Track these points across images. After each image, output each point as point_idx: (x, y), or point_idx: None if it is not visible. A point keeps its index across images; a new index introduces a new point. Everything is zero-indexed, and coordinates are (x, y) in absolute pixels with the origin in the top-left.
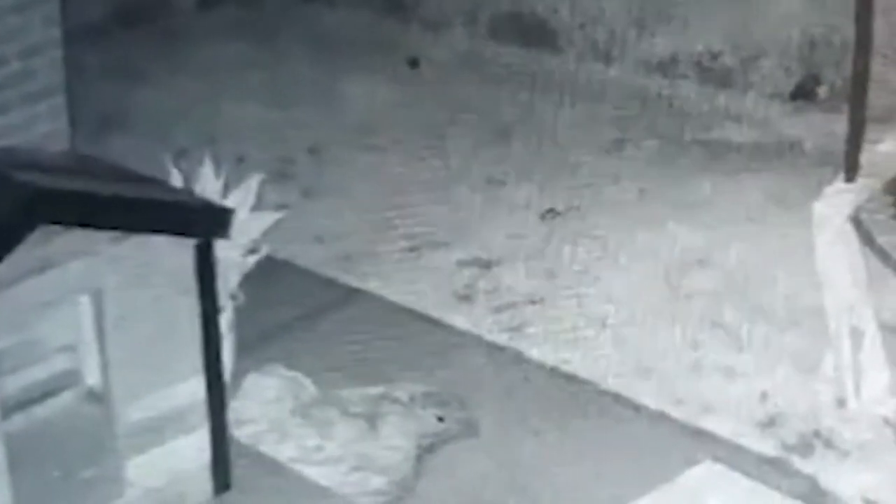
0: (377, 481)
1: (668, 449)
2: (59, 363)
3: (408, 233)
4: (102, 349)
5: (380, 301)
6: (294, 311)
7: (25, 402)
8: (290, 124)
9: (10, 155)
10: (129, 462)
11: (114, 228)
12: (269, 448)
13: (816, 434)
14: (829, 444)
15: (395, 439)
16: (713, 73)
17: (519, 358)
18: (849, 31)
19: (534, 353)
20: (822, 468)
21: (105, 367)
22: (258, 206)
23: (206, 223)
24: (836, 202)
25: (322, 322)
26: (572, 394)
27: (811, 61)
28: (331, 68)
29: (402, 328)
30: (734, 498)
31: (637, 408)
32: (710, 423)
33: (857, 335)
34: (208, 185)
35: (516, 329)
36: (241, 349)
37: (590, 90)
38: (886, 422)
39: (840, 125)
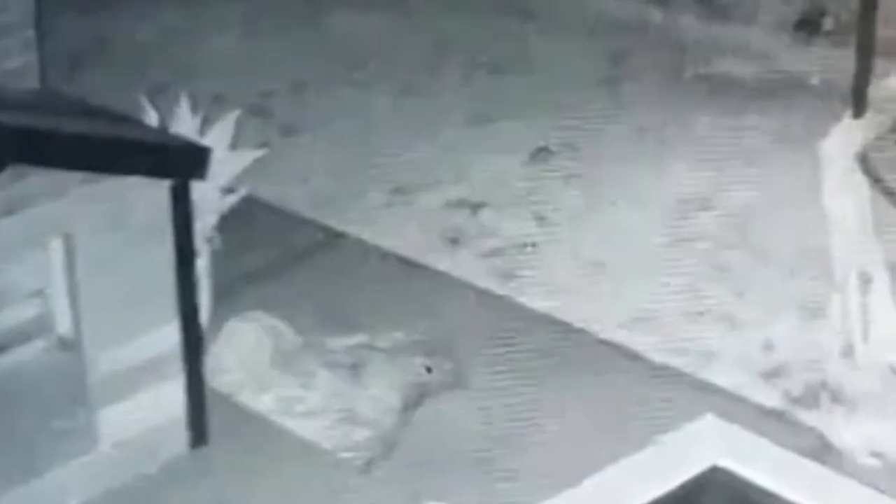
0: (361, 434)
1: (666, 401)
2: (29, 310)
3: (393, 173)
4: (74, 295)
5: (364, 244)
6: (274, 255)
7: None
8: (271, 58)
9: None
10: (101, 413)
11: (86, 169)
12: (247, 399)
13: (823, 385)
14: (835, 395)
15: (380, 390)
16: (713, 5)
17: (510, 305)
18: None
19: (525, 299)
20: (828, 421)
21: (77, 313)
22: (236, 145)
23: (181, 163)
24: (842, 140)
25: (304, 266)
26: (566, 343)
27: None
28: None
29: (387, 273)
30: (736, 452)
31: (634, 357)
32: (711, 374)
33: (864, 279)
34: (184, 123)
35: (507, 274)
36: (219, 295)
37: (584, 22)
38: (895, 370)
39: (847, 59)
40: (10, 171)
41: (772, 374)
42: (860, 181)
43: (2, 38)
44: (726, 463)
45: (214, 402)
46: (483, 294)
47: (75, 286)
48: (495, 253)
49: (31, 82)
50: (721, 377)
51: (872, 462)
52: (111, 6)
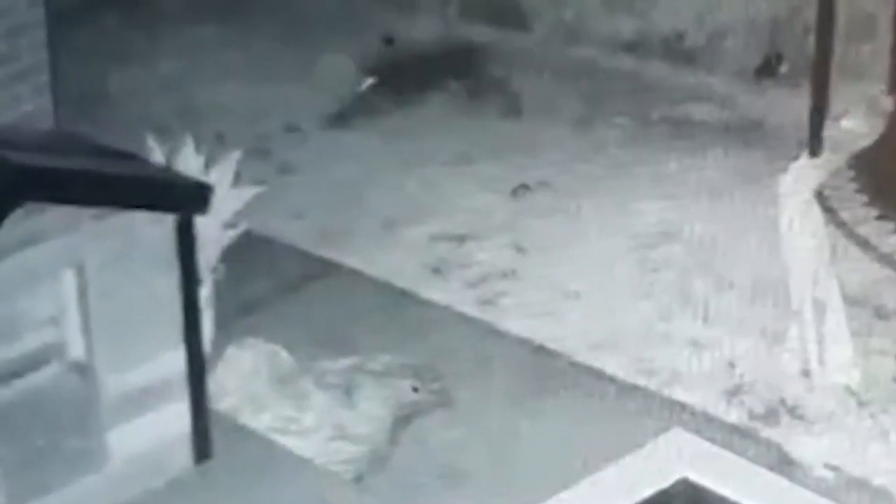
0: (353, 451)
1: (637, 418)
2: (44, 336)
3: (383, 208)
4: (86, 322)
5: (355, 275)
6: (272, 285)
7: (10, 374)
8: (268, 103)
9: None
10: (111, 432)
11: (97, 205)
12: (247, 418)
13: (782, 403)
14: (794, 412)
15: (371, 410)
16: (679, 52)
17: (492, 330)
18: (812, 11)
19: (506, 325)
20: (787, 436)
21: (88, 339)
22: (237, 183)
23: (186, 199)
24: (800, 177)
25: (299, 295)
26: (544, 365)
27: (775, 40)
28: (307, 47)
29: (377, 301)
30: (702, 465)
31: (607, 378)
32: (678, 393)
33: (820, 307)
34: (189, 162)
35: (489, 302)
36: (221, 322)
37: (559, 69)
38: (849, 391)
39: (804, 102)
40: (26, 207)
41: (735, 393)
42: (817, 216)
43: (18, 83)
44: (693, 475)
45: (217, 421)
46: (466, 320)
47: (87, 314)
48: (477, 282)
49: (45, 124)
50: (687, 396)
51: (828, 474)
52: (119, 55)
